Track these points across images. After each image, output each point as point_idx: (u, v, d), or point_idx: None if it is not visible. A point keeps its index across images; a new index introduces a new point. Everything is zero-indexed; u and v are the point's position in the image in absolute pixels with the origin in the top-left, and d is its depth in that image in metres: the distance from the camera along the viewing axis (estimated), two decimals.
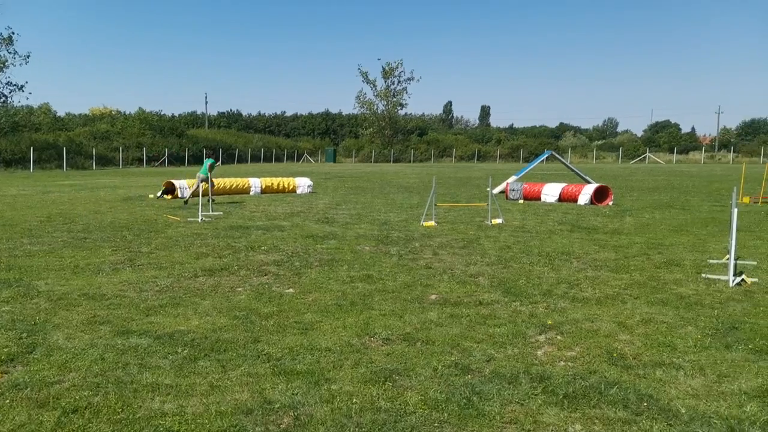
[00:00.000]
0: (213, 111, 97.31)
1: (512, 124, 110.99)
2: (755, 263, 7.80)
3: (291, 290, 6.50)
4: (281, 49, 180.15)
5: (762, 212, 13.96)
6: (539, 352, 4.53)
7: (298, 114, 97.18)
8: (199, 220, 12.33)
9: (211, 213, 13.57)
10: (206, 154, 20.17)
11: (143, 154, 51.55)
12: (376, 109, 75.84)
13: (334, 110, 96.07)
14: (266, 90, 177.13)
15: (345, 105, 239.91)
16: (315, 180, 23.95)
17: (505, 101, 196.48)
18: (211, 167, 15.60)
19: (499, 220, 12.26)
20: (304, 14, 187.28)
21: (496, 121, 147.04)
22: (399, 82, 74.55)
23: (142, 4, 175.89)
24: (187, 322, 5.29)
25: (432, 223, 11.88)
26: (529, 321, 5.32)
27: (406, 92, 75.34)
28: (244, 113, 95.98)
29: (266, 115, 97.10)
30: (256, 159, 66.35)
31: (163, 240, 9.81)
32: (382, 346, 4.70)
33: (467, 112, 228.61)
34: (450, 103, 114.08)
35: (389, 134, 75.86)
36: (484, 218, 12.61)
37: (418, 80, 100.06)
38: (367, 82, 75.30)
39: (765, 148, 65.60)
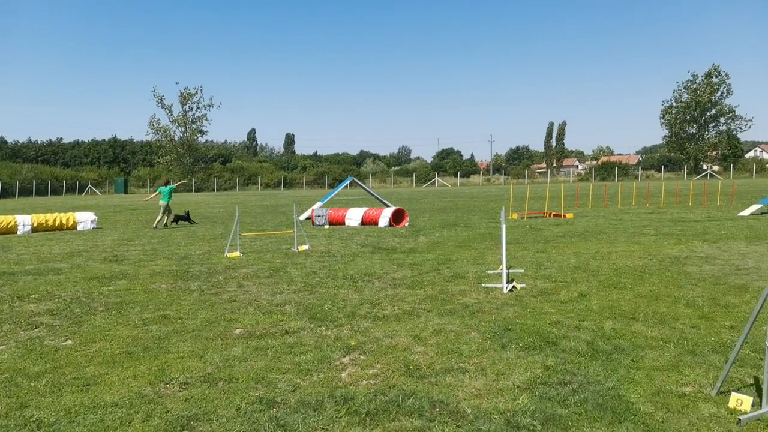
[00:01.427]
0: None
1: (316, 152, 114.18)
2: (523, 271, 9.04)
3: (69, 342, 5.69)
4: (54, 68, 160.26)
5: (527, 226, 16.32)
6: (344, 374, 4.63)
7: (80, 140, 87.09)
8: None
9: None
10: None
11: None
12: (173, 135, 71.60)
13: (123, 136, 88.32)
14: (38, 113, 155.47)
15: (136, 131, 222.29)
16: (101, 214, 21.56)
17: (309, 129, 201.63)
18: None
19: (305, 247, 12.37)
20: (86, 30, 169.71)
21: (301, 148, 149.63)
22: (198, 107, 71.61)
23: None
24: None
25: (237, 253, 11.51)
26: (334, 344, 5.42)
27: (206, 119, 72.68)
28: (9, 140, 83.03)
29: (38, 142, 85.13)
30: (26, 192, 57.54)
31: None
32: (179, 391, 4.35)
33: (272, 140, 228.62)
34: (254, 130, 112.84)
35: (189, 162, 72.06)
36: (291, 245, 12.62)
37: (219, 107, 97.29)
38: (163, 107, 70.89)
39: (527, 171, 77.30)
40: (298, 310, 6.86)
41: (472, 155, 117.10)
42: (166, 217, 18.24)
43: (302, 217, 20.54)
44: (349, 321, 6.27)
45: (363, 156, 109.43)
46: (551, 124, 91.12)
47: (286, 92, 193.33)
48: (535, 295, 7.38)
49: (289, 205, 28.51)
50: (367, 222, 17.51)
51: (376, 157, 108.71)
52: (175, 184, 18.52)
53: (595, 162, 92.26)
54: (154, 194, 18.58)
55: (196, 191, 66.40)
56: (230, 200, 40.16)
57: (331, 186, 63.95)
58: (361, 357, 5.05)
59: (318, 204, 21.58)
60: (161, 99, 70.25)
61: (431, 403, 3.98)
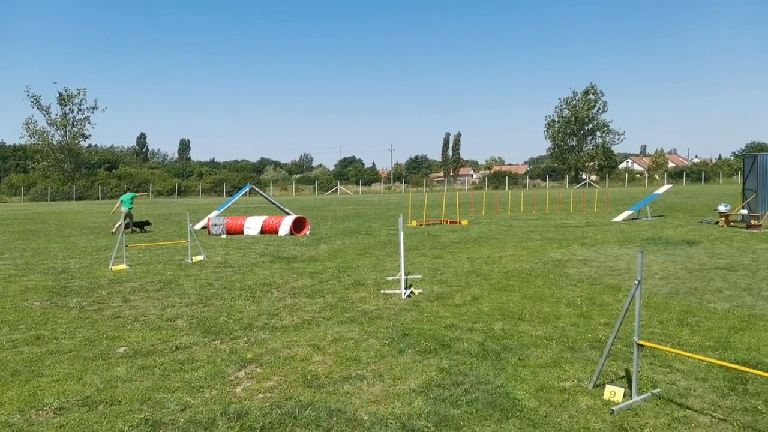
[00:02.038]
0: None
1: (214, 158, 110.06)
2: (420, 276, 9.29)
3: None
4: None
5: (426, 233, 16.80)
6: (238, 389, 4.47)
7: None
8: None
9: None
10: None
11: None
12: (51, 139, 65.85)
13: None
14: None
15: (9, 134, 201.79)
16: None
17: (206, 135, 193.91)
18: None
19: (200, 257, 11.86)
20: None
21: (197, 155, 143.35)
22: (80, 110, 66.43)
23: None
24: None
25: (123, 266, 10.77)
26: (229, 358, 5.23)
27: (89, 122, 67.61)
28: None
29: None
30: None
31: None
32: (53, 418, 3.98)
33: (165, 145, 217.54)
34: (144, 135, 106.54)
35: (70, 168, 66.56)
36: (185, 256, 12.03)
37: (104, 110, 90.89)
38: (39, 109, 64.98)
39: (426, 180, 79.69)
40: (190, 324, 6.55)
41: (373, 164, 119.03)
42: (124, 222, 18.16)
43: (197, 227, 19.67)
44: (245, 333, 6.08)
45: (263, 163, 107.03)
46: (448, 135, 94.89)
47: (179, 96, 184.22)
48: (432, 299, 7.60)
49: (183, 214, 27.19)
50: (267, 231, 17.14)
51: (277, 165, 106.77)
52: (137, 193, 20.09)
53: (488, 171, 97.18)
54: (117, 204, 18.77)
55: (77, 199, 61.38)
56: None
57: (230, 194, 61.86)
58: (258, 370, 4.91)
59: (215, 212, 20.79)
60: (37, 99, 64.45)
61: (329, 413, 3.96)
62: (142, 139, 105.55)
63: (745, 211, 17.41)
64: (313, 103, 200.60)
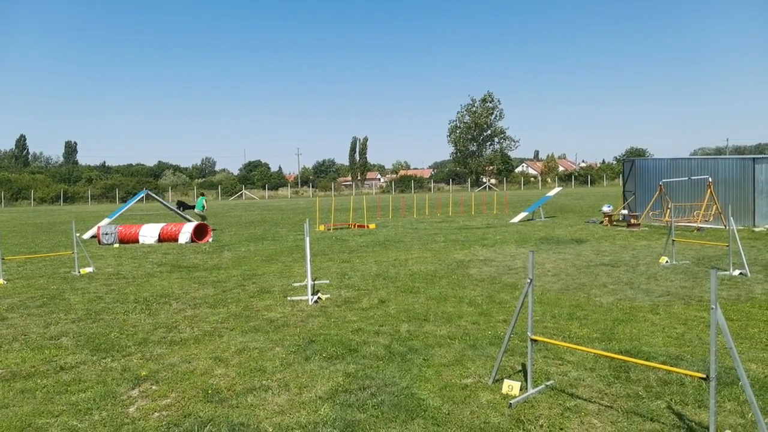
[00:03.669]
0: None
1: (105, 162, 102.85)
2: (328, 281, 9.23)
3: None
4: None
5: (333, 237, 16.75)
6: (131, 409, 4.19)
7: None
8: None
9: None
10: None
11: None
12: None
13: None
14: None
15: None
16: None
17: (95, 138, 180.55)
18: None
19: (89, 269, 11.01)
20: None
21: (86, 158, 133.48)
22: None
23: None
24: None
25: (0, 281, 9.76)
26: (122, 377, 4.89)
27: None
28: None
29: None
30: None
31: None
32: None
33: (48, 149, 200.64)
34: (24, 137, 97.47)
35: None
36: (71, 268, 11.12)
37: None
38: None
39: (334, 184, 79.62)
40: (77, 341, 6.05)
41: (280, 168, 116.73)
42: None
43: (87, 236, 18.28)
44: (140, 349, 5.72)
45: (162, 167, 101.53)
46: (355, 139, 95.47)
47: (64, 95, 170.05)
48: (339, 304, 7.57)
49: (69, 223, 25.15)
50: (166, 239, 16.27)
51: (176, 169, 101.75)
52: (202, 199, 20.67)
53: (394, 175, 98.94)
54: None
55: None
56: None
57: (123, 200, 58.08)
58: (153, 387, 4.63)
59: (106, 220, 19.44)
60: None
61: (230, 428, 3.81)
62: (21, 142, 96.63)
63: (625, 211, 19.03)
64: (215, 105, 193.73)
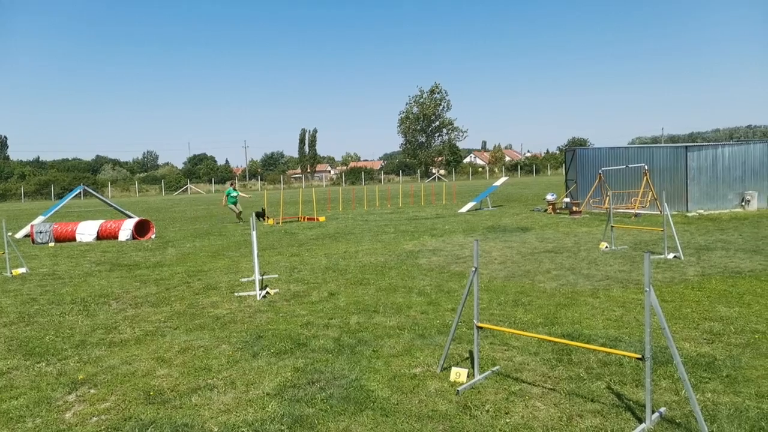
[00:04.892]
0: None
1: (39, 157, 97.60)
2: (277, 276, 9.10)
3: None
4: None
5: (282, 231, 16.53)
6: (68, 415, 4.00)
7: None
8: None
9: None
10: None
11: None
12: None
13: None
14: None
15: None
16: None
17: (27, 131, 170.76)
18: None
19: (22, 270, 10.44)
20: None
21: (17, 153, 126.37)
22: None
23: None
24: None
25: None
26: (57, 381, 4.65)
27: None
28: None
29: None
30: None
31: None
32: None
33: None
34: None
35: None
36: (2, 269, 10.51)
37: None
38: None
39: (283, 177, 78.54)
40: (9, 346, 5.72)
41: (227, 161, 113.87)
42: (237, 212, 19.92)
43: (19, 235, 17.32)
44: (77, 351, 5.46)
45: (100, 161, 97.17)
46: (304, 131, 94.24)
47: None
48: (288, 298, 7.48)
49: None
50: (105, 236, 15.62)
51: (116, 163, 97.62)
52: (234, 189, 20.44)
53: (344, 167, 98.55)
54: (224, 197, 20.37)
55: None
56: None
57: (59, 196, 55.31)
58: (92, 391, 4.43)
59: (40, 218, 18.46)
60: None
61: (173, 429, 3.69)
62: None
63: (568, 200, 19.66)
64: (156, 96, 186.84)
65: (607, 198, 17.65)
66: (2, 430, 3.78)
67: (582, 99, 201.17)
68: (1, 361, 5.27)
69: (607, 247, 10.74)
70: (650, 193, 17.12)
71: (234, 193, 20.20)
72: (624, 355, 4.42)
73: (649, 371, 3.48)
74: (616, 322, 5.81)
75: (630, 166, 17.95)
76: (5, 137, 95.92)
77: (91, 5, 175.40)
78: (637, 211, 17.02)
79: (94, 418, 3.92)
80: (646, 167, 17.27)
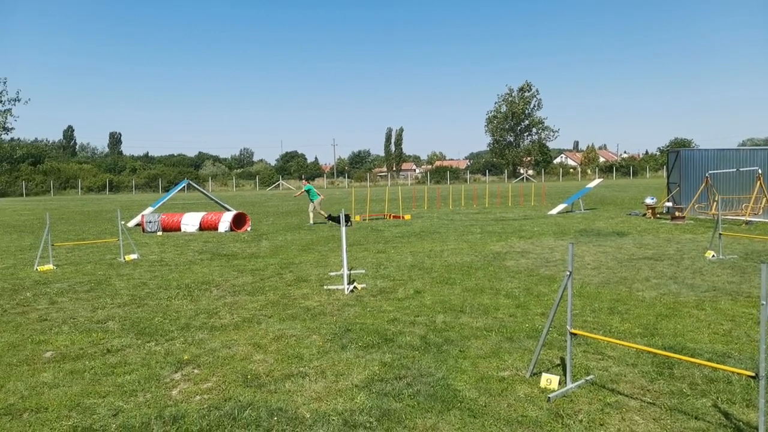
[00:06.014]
0: None
1: (148, 153, 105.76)
2: (364, 271, 9.28)
3: None
4: None
5: (369, 227, 16.82)
6: (174, 392, 4.32)
7: None
8: None
9: None
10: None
11: None
12: None
13: None
14: None
15: None
16: None
17: (139, 129, 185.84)
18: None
19: (134, 256, 11.38)
20: None
21: (129, 149, 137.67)
22: (1, 102, 62.24)
23: None
24: None
25: (50, 266, 10.18)
26: (165, 360, 5.04)
27: (11, 114, 63.47)
28: None
29: None
30: None
31: None
32: None
33: (94, 139, 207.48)
34: (71, 128, 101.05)
35: None
36: (117, 255, 11.51)
37: (27, 102, 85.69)
38: None
39: (369, 175, 79.82)
40: (123, 325, 6.27)
41: (316, 158, 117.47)
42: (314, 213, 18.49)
43: (131, 224, 18.88)
44: (182, 334, 5.88)
45: (202, 158, 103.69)
46: (390, 130, 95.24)
47: (108, 87, 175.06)
48: (375, 294, 7.61)
49: (114, 211, 26.01)
50: (206, 227, 16.66)
51: (216, 159, 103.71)
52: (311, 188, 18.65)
53: (430, 166, 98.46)
54: (301, 191, 19.27)
55: (0, 196, 57.54)
56: (42, 206, 35.44)
57: (166, 189, 59.63)
58: (195, 371, 4.76)
59: (149, 209, 20.01)
60: None
61: (269, 412, 3.88)
62: (69, 133, 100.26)
63: (670, 204, 18.45)
64: (253, 96, 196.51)
65: (715, 203, 16.36)
66: (117, 402, 4.14)
67: (685, 97, 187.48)
68: (117, 338, 5.77)
69: (714, 255, 9.97)
70: (764, 198, 15.68)
71: (314, 191, 18.62)
72: (734, 372, 4.10)
73: (764, 391, 3.21)
74: (724, 337, 5.40)
75: (741, 169, 16.53)
76: (120, 134, 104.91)
77: (194, 12, 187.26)
78: (749, 219, 15.64)
79: (198, 397, 4.21)
80: (759, 171, 15.83)
